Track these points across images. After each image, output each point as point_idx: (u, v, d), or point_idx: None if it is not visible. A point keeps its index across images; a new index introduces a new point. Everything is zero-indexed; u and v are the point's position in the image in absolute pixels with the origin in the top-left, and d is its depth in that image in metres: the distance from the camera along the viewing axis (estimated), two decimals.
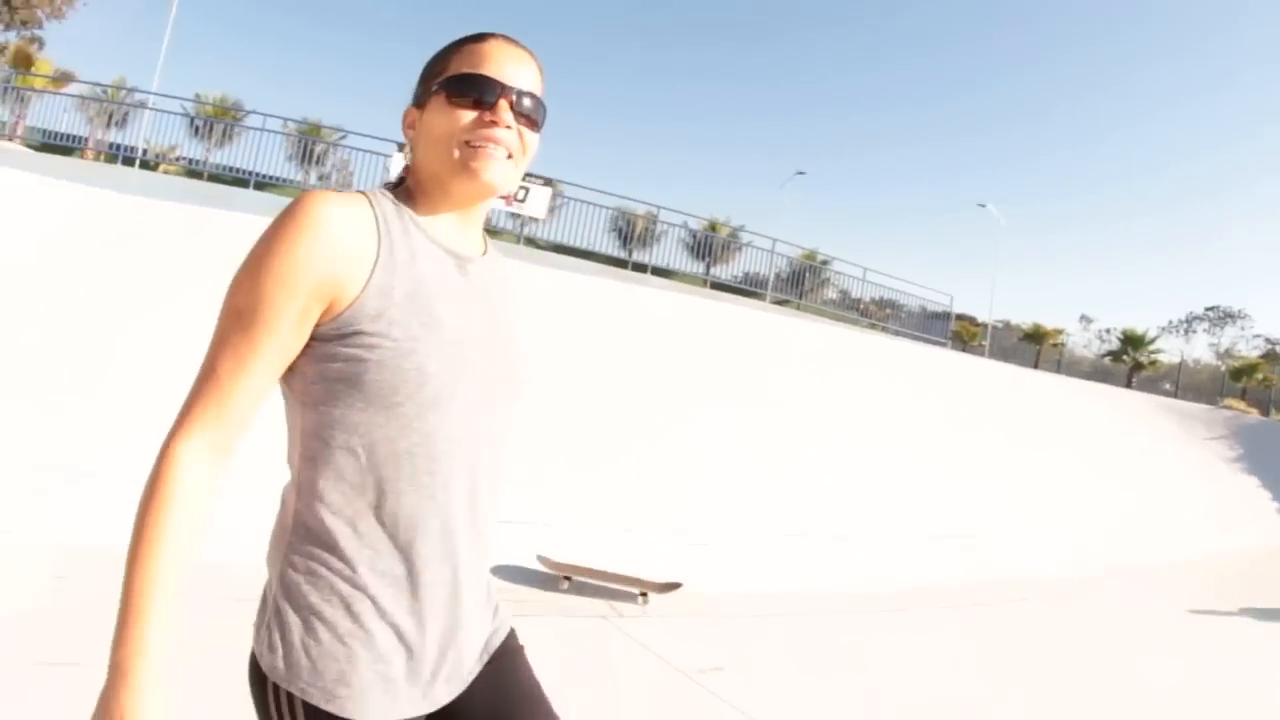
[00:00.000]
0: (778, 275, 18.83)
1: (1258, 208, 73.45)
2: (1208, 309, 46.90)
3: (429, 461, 0.98)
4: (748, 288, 18.38)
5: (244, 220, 8.13)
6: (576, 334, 8.08)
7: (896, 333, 19.73)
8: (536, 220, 15.29)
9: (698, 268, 19.23)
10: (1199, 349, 43.47)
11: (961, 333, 28.36)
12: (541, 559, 5.04)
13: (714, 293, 16.02)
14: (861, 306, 20.31)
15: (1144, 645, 5.54)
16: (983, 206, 32.26)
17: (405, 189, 1.09)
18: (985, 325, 29.92)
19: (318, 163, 17.32)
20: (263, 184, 14.75)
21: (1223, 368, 32.60)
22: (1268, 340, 42.85)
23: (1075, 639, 5.44)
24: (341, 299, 0.93)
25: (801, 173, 32.95)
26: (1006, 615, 5.81)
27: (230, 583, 3.24)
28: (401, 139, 1.13)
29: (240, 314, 0.91)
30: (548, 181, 14.89)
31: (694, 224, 19.09)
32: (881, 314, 21.15)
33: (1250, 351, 39.88)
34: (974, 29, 72.71)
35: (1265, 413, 22.28)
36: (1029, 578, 7.07)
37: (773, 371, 9.81)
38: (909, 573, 6.41)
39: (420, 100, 1.08)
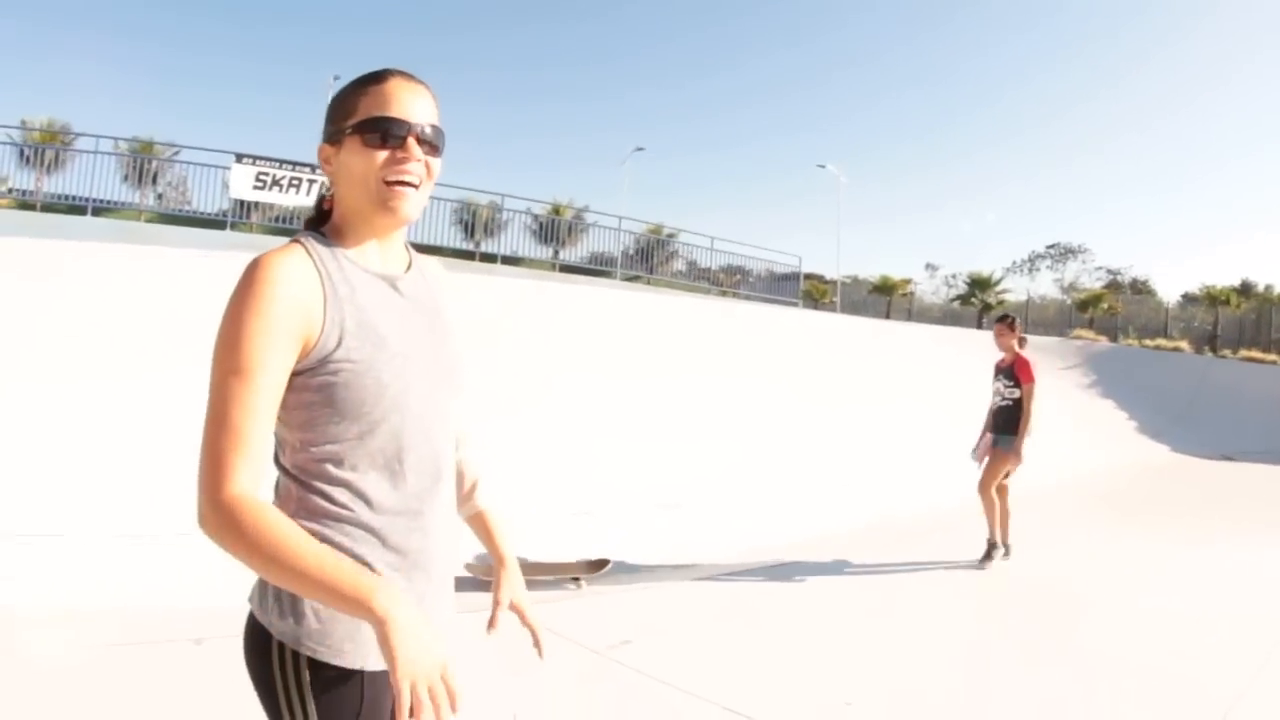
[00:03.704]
0: (624, 253, 19.22)
1: (1089, 140, 73.67)
2: (1049, 246, 46.42)
3: (398, 453, 1.17)
4: (597, 267, 18.71)
5: (95, 250, 7.99)
6: None
7: (748, 297, 20.17)
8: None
9: (545, 253, 19.25)
10: (1044, 285, 43.15)
11: (812, 291, 28.89)
12: (468, 566, 4.48)
13: (565, 275, 16.20)
14: (711, 275, 20.85)
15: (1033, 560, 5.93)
16: (822, 168, 32.11)
17: (332, 224, 1.22)
18: (834, 282, 30.03)
19: (154, 182, 16.91)
20: (100, 209, 14.37)
21: (1068, 301, 32.66)
22: (1109, 271, 43.48)
23: (962, 569, 5.73)
24: (309, 341, 1.10)
25: (640, 149, 33.16)
26: (896, 557, 5.94)
27: (131, 627, 3.48)
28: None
29: (238, 373, 1.06)
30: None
31: (538, 209, 18.93)
32: (731, 280, 21.52)
33: (1094, 284, 40.21)
34: None
35: (1114, 339, 23.12)
36: (918, 517, 7.36)
37: (633, 345, 9.96)
38: (804, 526, 6.58)
39: (333, 139, 1.20)
